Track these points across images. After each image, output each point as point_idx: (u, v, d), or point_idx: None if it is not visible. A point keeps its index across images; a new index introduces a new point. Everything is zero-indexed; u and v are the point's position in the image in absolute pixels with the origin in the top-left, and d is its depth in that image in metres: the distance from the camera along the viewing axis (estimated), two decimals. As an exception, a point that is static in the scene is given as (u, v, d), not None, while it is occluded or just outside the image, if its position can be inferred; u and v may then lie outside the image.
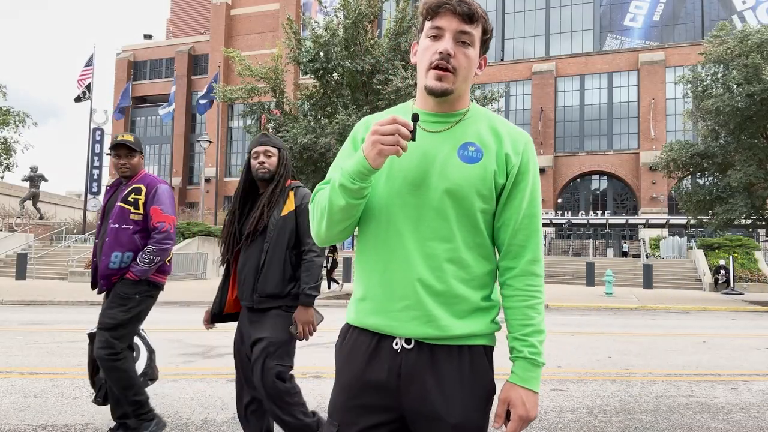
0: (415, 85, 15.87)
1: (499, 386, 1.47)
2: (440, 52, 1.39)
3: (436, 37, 1.42)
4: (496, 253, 1.51)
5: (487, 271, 1.45)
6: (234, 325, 3.18)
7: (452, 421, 1.37)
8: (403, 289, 1.39)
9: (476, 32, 1.43)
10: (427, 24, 1.45)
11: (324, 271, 18.44)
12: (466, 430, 1.38)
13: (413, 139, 1.29)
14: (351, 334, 1.50)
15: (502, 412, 1.40)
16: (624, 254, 36.60)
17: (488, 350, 1.46)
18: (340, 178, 1.35)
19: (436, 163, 1.41)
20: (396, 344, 1.41)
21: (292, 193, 3.06)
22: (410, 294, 1.39)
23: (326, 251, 18.63)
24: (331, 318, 13.32)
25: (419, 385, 1.38)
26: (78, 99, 36.45)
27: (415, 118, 1.31)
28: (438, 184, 1.40)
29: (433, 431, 1.38)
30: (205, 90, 37.85)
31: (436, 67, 1.40)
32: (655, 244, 34.21)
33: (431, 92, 1.42)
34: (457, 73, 1.41)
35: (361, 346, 1.45)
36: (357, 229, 1.51)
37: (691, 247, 28.93)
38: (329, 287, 18.44)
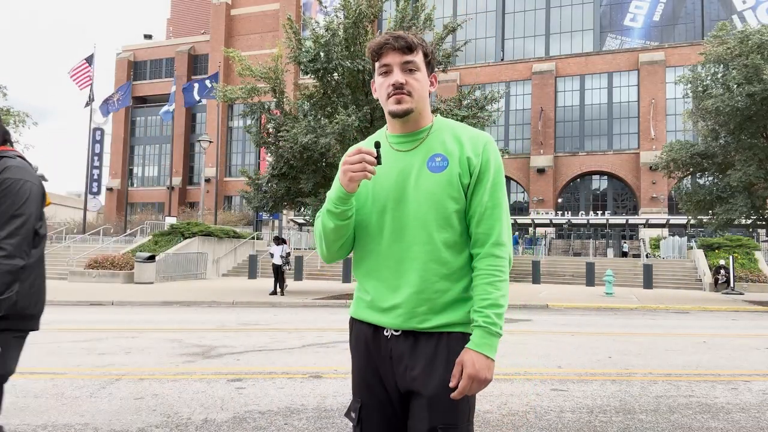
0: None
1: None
2: (392, 84, 1.65)
3: (386, 73, 1.68)
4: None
5: (463, 264, 1.67)
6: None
7: (428, 393, 1.59)
8: (392, 290, 1.66)
9: (418, 58, 1.68)
10: (377, 64, 1.70)
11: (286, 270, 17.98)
12: (441, 402, 1.59)
13: (379, 163, 1.56)
14: (355, 326, 1.80)
15: (457, 373, 1.58)
16: (624, 254, 36.60)
17: (466, 336, 1.64)
18: (326, 205, 1.65)
19: (410, 179, 1.66)
20: (387, 332, 1.68)
21: None
22: (398, 294, 1.65)
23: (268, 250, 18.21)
24: (331, 318, 13.23)
25: (404, 365, 1.64)
26: (88, 104, 36.44)
27: (377, 145, 1.59)
28: (416, 195, 1.64)
29: (416, 404, 1.62)
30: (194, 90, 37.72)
31: (393, 95, 1.65)
32: (655, 244, 34.20)
33: (395, 115, 1.67)
34: (412, 95, 1.66)
35: (362, 336, 1.74)
36: (355, 242, 1.77)
37: (691, 247, 28.92)
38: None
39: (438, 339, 1.64)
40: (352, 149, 1.57)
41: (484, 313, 1.59)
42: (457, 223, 1.65)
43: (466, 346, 1.61)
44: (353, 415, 1.72)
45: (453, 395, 1.57)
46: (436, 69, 1.79)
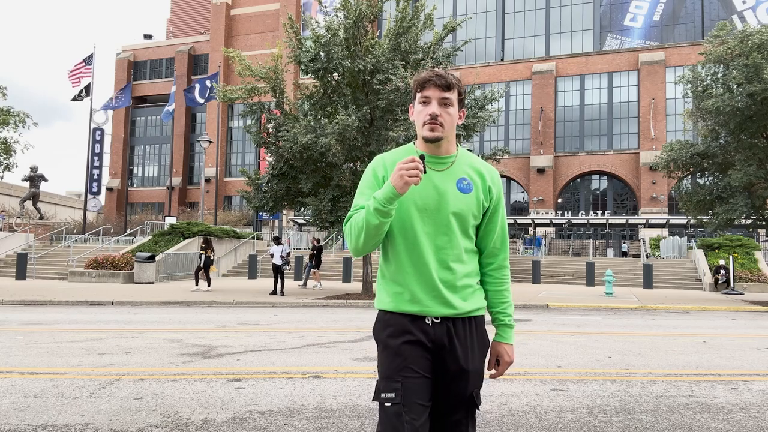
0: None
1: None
2: (429, 114, 1.98)
3: (425, 103, 2.01)
4: (478, 251, 2.14)
5: (475, 266, 2.10)
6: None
7: (470, 368, 2.01)
8: (430, 284, 1.98)
9: (453, 96, 2.01)
10: (418, 94, 2.02)
11: (206, 269, 17.89)
12: (476, 373, 2.03)
13: (425, 171, 1.83)
14: (390, 317, 2.03)
15: (493, 361, 2.15)
16: (624, 254, 36.56)
17: (482, 318, 2.11)
18: (374, 204, 1.87)
19: (445, 195, 2.00)
20: (428, 320, 1.99)
21: None
22: (435, 287, 1.98)
23: (199, 249, 18.17)
24: (331, 318, 13.24)
25: (447, 346, 1.99)
26: (75, 99, 36.41)
27: (422, 158, 1.87)
28: (447, 209, 1.99)
29: (458, 378, 2.00)
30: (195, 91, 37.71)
31: (429, 123, 1.98)
32: (655, 244, 34.20)
33: (427, 140, 2.01)
34: (444, 126, 1.99)
35: (402, 324, 1.99)
36: (386, 240, 2.05)
37: (691, 247, 28.91)
38: (197, 284, 17.82)
39: (469, 323, 2.03)
40: (407, 158, 1.82)
41: (507, 313, 2.14)
42: (473, 234, 2.08)
43: (495, 339, 2.14)
44: (392, 395, 1.91)
45: (492, 376, 2.17)
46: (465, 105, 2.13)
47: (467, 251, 2.05)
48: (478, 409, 2.09)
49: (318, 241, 20.80)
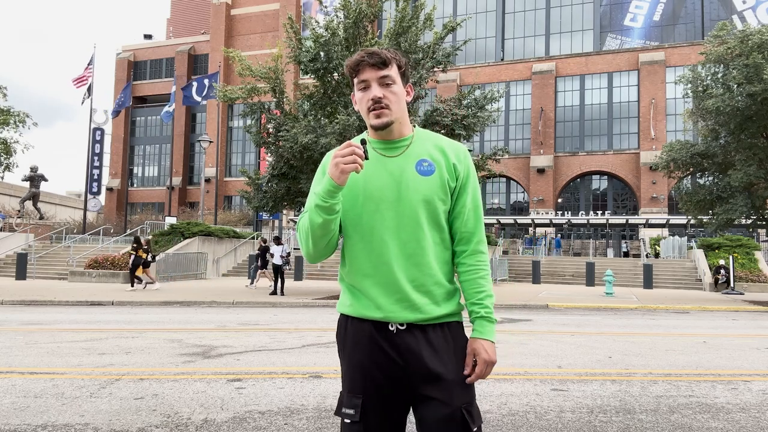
0: (415, 83, 15.73)
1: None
2: (372, 99, 1.76)
3: (365, 88, 1.79)
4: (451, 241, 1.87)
5: (448, 260, 1.84)
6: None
7: (450, 377, 1.72)
8: (393, 286, 1.74)
9: (393, 72, 1.79)
10: (355, 80, 1.81)
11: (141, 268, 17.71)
12: (459, 385, 1.74)
13: (366, 158, 1.64)
14: (350, 324, 1.81)
15: (470, 361, 1.78)
16: (626, 254, 36.46)
17: (460, 325, 1.84)
18: (315, 200, 1.68)
19: (402, 181, 1.76)
20: (392, 327, 1.75)
21: None
22: (399, 289, 1.73)
23: (131, 247, 17.96)
24: (331, 318, 13.21)
25: (417, 355, 1.72)
26: (84, 100, 36.47)
27: (363, 142, 1.67)
28: (408, 196, 1.75)
29: (437, 389, 1.71)
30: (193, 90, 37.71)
31: (373, 110, 1.77)
32: (655, 244, 34.21)
33: (377, 128, 1.79)
34: (391, 108, 1.77)
35: (363, 332, 1.77)
36: (342, 245, 1.84)
37: (691, 247, 28.91)
38: (132, 285, 17.50)
39: (442, 329, 1.77)
40: (342, 145, 1.65)
41: (483, 305, 1.80)
42: (443, 222, 1.80)
43: (472, 336, 1.79)
44: (351, 411, 1.74)
45: (470, 380, 1.76)
46: (410, 79, 1.92)
47: (439, 243, 1.79)
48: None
49: (264, 241, 20.58)
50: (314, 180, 1.84)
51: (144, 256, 17.81)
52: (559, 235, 40.51)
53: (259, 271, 19.71)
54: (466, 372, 1.77)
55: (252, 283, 20.00)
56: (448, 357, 1.75)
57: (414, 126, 1.90)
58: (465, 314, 1.85)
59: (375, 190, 1.76)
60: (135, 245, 17.89)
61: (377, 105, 1.76)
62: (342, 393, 1.79)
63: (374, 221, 1.76)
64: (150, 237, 22.89)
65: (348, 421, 1.74)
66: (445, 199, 1.79)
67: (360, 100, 1.82)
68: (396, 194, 1.75)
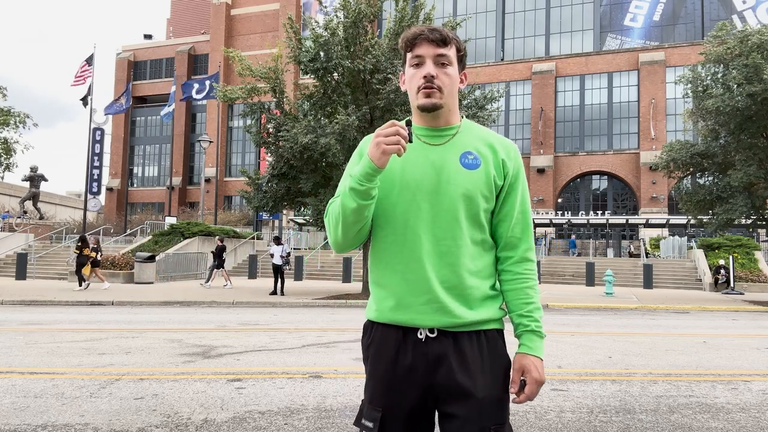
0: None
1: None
2: (424, 76, 1.60)
3: (419, 65, 1.63)
4: (495, 245, 1.72)
5: (490, 263, 1.68)
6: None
7: (480, 395, 1.55)
8: (422, 286, 1.58)
9: (451, 53, 1.64)
10: (408, 55, 1.66)
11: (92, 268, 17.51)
12: (492, 403, 1.57)
13: (410, 140, 1.49)
14: (376, 330, 1.67)
15: (517, 379, 1.62)
16: (631, 254, 36.07)
17: (500, 333, 1.67)
18: (350, 183, 1.53)
19: (443, 172, 1.61)
20: (420, 334, 1.59)
21: None
22: (429, 289, 1.58)
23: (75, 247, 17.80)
24: (331, 318, 13.21)
25: (447, 367, 1.57)
26: (85, 102, 36.48)
27: (408, 123, 1.51)
28: (448, 189, 1.60)
29: (464, 405, 1.55)
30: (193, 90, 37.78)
31: (424, 88, 1.61)
32: (655, 244, 34.19)
33: (424, 109, 1.63)
34: (442, 90, 1.62)
35: (389, 340, 1.62)
36: (371, 236, 1.69)
37: (691, 247, 28.91)
38: (80, 285, 17.21)
39: (477, 338, 1.61)
40: (386, 124, 1.50)
41: (532, 317, 1.64)
42: (485, 221, 1.65)
43: (519, 351, 1.63)
44: (370, 424, 1.60)
45: (518, 400, 1.61)
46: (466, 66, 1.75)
47: (478, 243, 1.63)
48: None
49: (221, 240, 20.51)
50: (349, 163, 1.70)
51: (94, 255, 17.71)
52: (574, 236, 40.32)
53: (215, 270, 19.58)
54: (512, 391, 1.62)
55: (207, 281, 19.64)
56: (480, 371, 1.58)
57: (462, 116, 1.75)
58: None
59: (412, 178, 1.62)
60: (80, 244, 17.70)
61: (429, 84, 1.61)
62: (363, 402, 1.66)
63: (409, 213, 1.60)
64: (99, 236, 22.51)
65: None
66: (489, 197, 1.64)
67: (410, 78, 1.66)
68: (435, 185, 1.60)
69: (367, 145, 1.61)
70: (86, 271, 17.49)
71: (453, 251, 1.59)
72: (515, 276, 1.66)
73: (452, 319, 1.57)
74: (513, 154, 1.69)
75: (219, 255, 19.52)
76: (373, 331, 1.68)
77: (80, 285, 17.18)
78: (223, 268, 19.65)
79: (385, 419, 1.59)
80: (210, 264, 20.56)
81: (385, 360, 1.62)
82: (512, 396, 1.63)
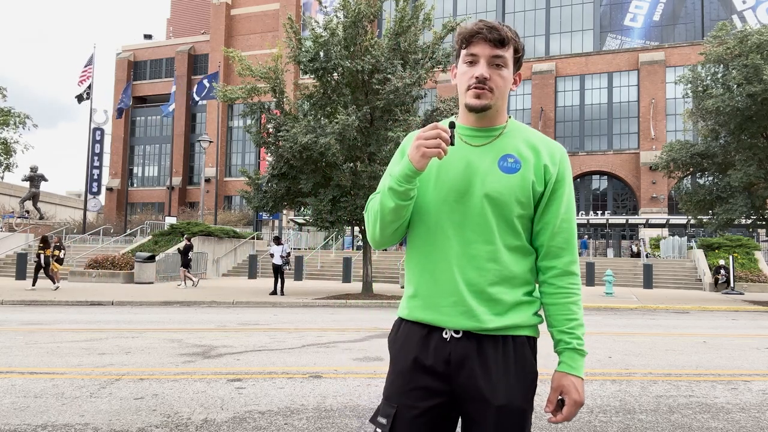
0: (414, 84, 15.69)
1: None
2: (476, 77, 1.56)
3: (472, 63, 1.58)
4: (535, 252, 1.64)
5: (527, 269, 1.60)
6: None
7: (497, 403, 1.50)
8: (450, 287, 1.56)
9: (508, 54, 1.59)
10: (463, 51, 1.61)
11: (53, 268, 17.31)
12: (510, 412, 1.51)
13: (452, 143, 1.47)
14: (403, 327, 1.65)
15: (554, 399, 1.56)
16: (635, 254, 35.78)
17: (531, 340, 1.60)
18: (389, 182, 1.53)
19: (478, 174, 1.57)
20: (445, 334, 1.56)
21: None
22: (456, 291, 1.55)
23: (38, 247, 17.68)
24: (331, 318, 13.21)
25: (467, 370, 1.53)
26: (80, 99, 36.47)
27: (452, 125, 1.47)
28: (480, 192, 1.56)
29: (480, 412, 1.52)
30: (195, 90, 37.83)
31: (474, 88, 1.57)
32: (655, 244, 34.17)
33: (471, 109, 1.59)
34: (494, 92, 1.57)
35: (413, 337, 1.60)
36: (408, 234, 1.67)
37: (691, 247, 28.91)
38: (34, 285, 17.17)
39: (503, 343, 1.55)
40: (428, 126, 1.48)
41: (575, 335, 1.57)
42: (520, 228, 1.59)
43: (558, 370, 1.57)
44: (383, 421, 1.57)
45: (554, 420, 1.56)
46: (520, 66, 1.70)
47: (512, 249, 1.58)
48: None
49: (189, 239, 20.48)
50: (392, 161, 1.68)
51: (57, 253, 17.67)
52: (585, 237, 40.16)
53: (181, 269, 19.48)
54: (547, 410, 1.57)
55: (191, 284, 19.60)
56: (503, 378, 1.52)
57: (509, 117, 1.70)
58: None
59: (447, 179, 1.59)
60: (42, 245, 17.65)
61: (480, 85, 1.56)
62: (382, 400, 1.64)
63: (441, 213, 1.58)
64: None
65: (379, 430, 1.58)
66: (526, 203, 1.57)
67: (462, 75, 1.61)
68: (467, 187, 1.57)
69: (409, 143, 1.60)
70: (55, 268, 17.51)
71: (482, 255, 1.55)
72: (558, 290, 1.59)
73: (476, 324, 1.53)
74: (558, 159, 1.61)
75: (185, 254, 19.44)
76: (400, 328, 1.66)
77: (55, 283, 17.01)
78: (187, 268, 19.50)
79: (399, 417, 1.55)
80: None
81: (406, 357, 1.60)
82: (548, 415, 1.60)
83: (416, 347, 1.58)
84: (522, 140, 1.63)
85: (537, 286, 1.65)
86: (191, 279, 19.51)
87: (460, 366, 1.53)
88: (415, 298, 1.62)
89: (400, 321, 1.68)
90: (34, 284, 17.40)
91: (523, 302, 1.58)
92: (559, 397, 1.56)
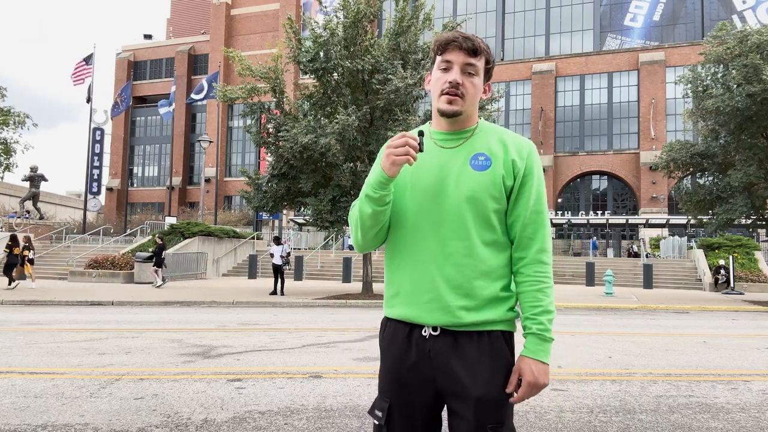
0: (415, 84, 15.67)
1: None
2: (449, 82, 1.66)
3: (446, 69, 1.69)
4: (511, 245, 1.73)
5: (503, 263, 1.69)
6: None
7: (475, 394, 1.59)
8: (428, 284, 1.64)
9: (480, 63, 1.70)
10: (438, 58, 1.71)
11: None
12: (488, 403, 1.60)
13: (421, 150, 1.55)
14: (389, 326, 1.75)
15: (514, 380, 1.64)
16: (636, 254, 35.77)
17: (506, 335, 1.69)
18: (365, 190, 1.64)
19: (452, 174, 1.66)
20: (424, 331, 1.65)
21: None
22: (433, 288, 1.63)
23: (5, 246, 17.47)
24: (331, 318, 13.21)
25: (446, 364, 1.62)
26: (88, 100, 36.50)
27: (420, 134, 1.57)
28: (455, 192, 1.65)
29: (461, 403, 1.61)
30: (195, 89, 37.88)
31: (447, 93, 1.66)
32: (655, 244, 34.16)
33: (443, 114, 1.68)
34: (465, 98, 1.67)
35: (397, 335, 1.71)
36: (388, 236, 1.77)
37: (691, 247, 28.91)
38: (10, 284, 16.98)
39: (479, 338, 1.64)
40: (397, 135, 1.57)
41: (537, 320, 1.64)
42: (497, 223, 1.67)
43: (521, 353, 1.65)
44: (379, 413, 1.70)
45: (512, 400, 1.63)
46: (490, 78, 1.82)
47: (488, 244, 1.65)
48: None
49: (161, 239, 20.43)
50: (372, 168, 1.74)
51: (27, 253, 17.65)
52: (594, 237, 40.07)
53: (152, 268, 19.34)
54: (507, 390, 1.63)
55: (162, 282, 19.38)
56: (480, 370, 1.61)
57: (480, 118, 1.79)
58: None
59: (421, 182, 1.68)
60: (10, 243, 17.57)
61: (453, 90, 1.66)
62: (378, 393, 1.76)
63: (419, 215, 1.67)
64: (31, 235, 22.27)
65: (376, 422, 1.71)
66: (499, 197, 1.65)
67: (436, 80, 1.71)
68: (441, 188, 1.66)
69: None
70: (28, 270, 17.54)
71: (459, 252, 1.63)
72: (526, 278, 1.67)
73: (453, 319, 1.61)
74: (525, 153, 1.69)
75: (158, 254, 19.39)
76: (386, 327, 1.76)
77: (9, 284, 16.88)
78: (159, 267, 19.37)
79: (393, 410, 1.68)
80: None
81: (393, 354, 1.70)
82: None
83: (400, 345, 1.69)
84: (492, 138, 1.71)
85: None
86: (157, 278, 19.15)
87: (439, 362, 1.62)
88: (397, 296, 1.71)
89: (386, 320, 1.77)
90: (10, 283, 16.99)
91: (499, 297, 1.66)
92: (520, 379, 1.64)
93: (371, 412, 1.74)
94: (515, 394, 1.63)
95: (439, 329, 1.64)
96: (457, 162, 1.67)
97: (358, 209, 1.69)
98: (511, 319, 1.68)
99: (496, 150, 1.68)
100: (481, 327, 1.63)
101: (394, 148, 1.54)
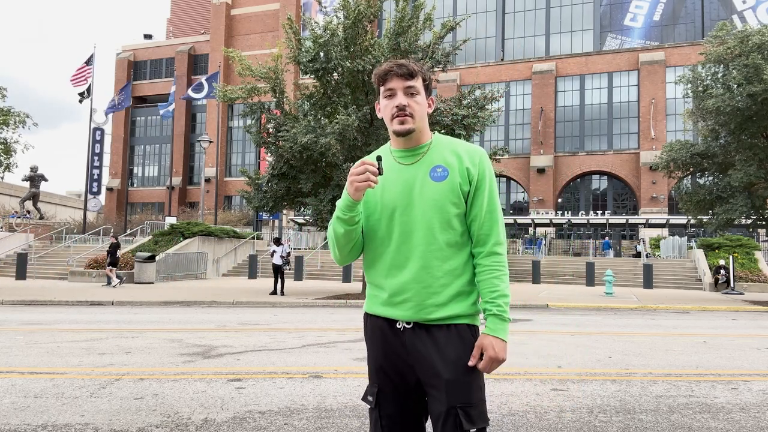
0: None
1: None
2: (396, 106, 1.88)
3: (390, 96, 1.91)
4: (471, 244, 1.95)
5: (465, 261, 1.90)
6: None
7: (445, 377, 1.80)
8: (400, 287, 1.87)
9: (418, 84, 1.91)
10: (381, 88, 1.93)
11: None
12: (458, 383, 1.80)
13: (380, 173, 1.78)
14: (370, 321, 1.99)
15: (476, 354, 1.83)
16: (638, 254, 35.69)
17: (471, 328, 1.89)
18: (336, 212, 1.86)
19: (415, 188, 1.88)
20: (399, 325, 1.89)
21: None
22: (406, 289, 1.86)
23: None
24: (331, 318, 13.21)
25: (420, 353, 1.85)
26: (82, 96, 36.46)
27: (378, 159, 1.81)
28: (420, 203, 1.86)
29: (436, 386, 1.82)
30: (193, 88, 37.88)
31: (397, 117, 1.88)
32: (655, 244, 34.15)
33: (398, 134, 1.90)
34: (414, 116, 1.89)
35: (377, 330, 1.94)
36: (364, 245, 1.99)
37: (691, 247, 28.90)
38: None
39: (447, 330, 1.85)
40: (357, 163, 1.78)
41: (495, 303, 1.84)
42: (458, 224, 1.88)
43: (482, 332, 1.85)
44: (370, 398, 1.94)
45: (477, 366, 1.83)
46: (433, 93, 2.05)
47: (452, 245, 1.87)
48: None
49: (116, 238, 20.42)
50: (343, 192, 1.93)
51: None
52: (607, 237, 40.00)
53: (108, 267, 19.14)
54: (470, 363, 1.82)
55: (119, 283, 19.01)
56: (451, 356, 1.82)
57: (434, 133, 1.99)
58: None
59: (389, 198, 1.89)
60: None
61: (401, 112, 1.87)
62: (369, 381, 1.99)
63: (390, 227, 1.89)
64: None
65: (369, 406, 1.96)
66: (458, 203, 1.87)
67: (385, 107, 1.93)
68: (408, 200, 1.87)
69: None
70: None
71: (427, 255, 1.85)
72: (484, 268, 1.87)
73: (424, 315, 1.84)
74: (477, 161, 1.90)
75: (113, 253, 19.30)
76: (368, 322, 1.99)
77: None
78: (114, 266, 19.19)
79: (380, 393, 1.93)
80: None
81: (375, 346, 1.95)
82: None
83: (380, 338, 1.92)
84: (447, 150, 1.92)
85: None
86: (111, 277, 18.82)
87: (414, 350, 1.85)
88: (375, 297, 1.95)
89: (367, 315, 2.00)
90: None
91: (463, 292, 1.87)
92: (482, 354, 1.83)
93: (364, 397, 1.97)
94: (478, 365, 1.83)
95: (412, 323, 1.86)
96: (419, 175, 1.88)
97: (332, 229, 1.90)
98: (474, 313, 1.89)
99: (451, 161, 1.88)
100: (448, 321, 1.85)
101: (356, 175, 1.75)
